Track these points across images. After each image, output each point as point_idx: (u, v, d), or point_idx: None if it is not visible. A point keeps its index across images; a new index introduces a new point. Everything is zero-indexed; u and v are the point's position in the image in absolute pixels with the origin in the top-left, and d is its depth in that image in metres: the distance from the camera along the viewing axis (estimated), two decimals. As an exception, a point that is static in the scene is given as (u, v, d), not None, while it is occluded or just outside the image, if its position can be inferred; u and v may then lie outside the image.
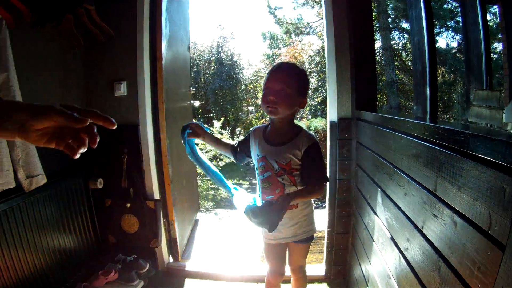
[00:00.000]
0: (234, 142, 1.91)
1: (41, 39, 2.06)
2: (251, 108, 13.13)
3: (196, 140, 1.80)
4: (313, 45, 11.47)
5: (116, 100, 2.41)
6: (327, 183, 2.30)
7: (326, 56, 2.39)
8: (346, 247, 2.45)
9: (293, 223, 1.68)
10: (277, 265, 1.85)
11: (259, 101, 12.66)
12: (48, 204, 2.05)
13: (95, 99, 2.44)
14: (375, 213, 1.66)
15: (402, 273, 1.24)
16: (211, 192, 5.90)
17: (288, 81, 1.50)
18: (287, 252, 1.86)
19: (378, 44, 10.45)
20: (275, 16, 11.95)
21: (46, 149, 1.47)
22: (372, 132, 1.78)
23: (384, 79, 9.99)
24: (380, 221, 1.56)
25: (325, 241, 2.56)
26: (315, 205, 4.87)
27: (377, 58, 10.46)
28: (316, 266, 2.76)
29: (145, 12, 2.34)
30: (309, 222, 1.72)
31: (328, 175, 1.83)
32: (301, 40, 12.25)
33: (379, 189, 1.57)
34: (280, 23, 12.09)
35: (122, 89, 2.36)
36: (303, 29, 12.02)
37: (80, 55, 2.38)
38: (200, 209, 4.52)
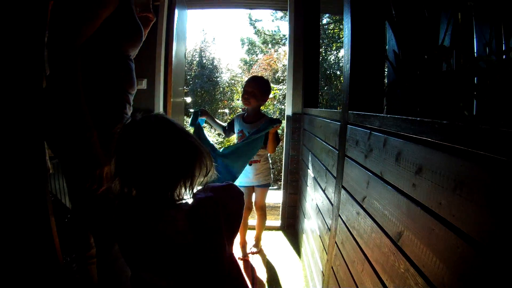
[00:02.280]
0: (225, 124, 2.96)
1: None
2: (226, 110, 14.18)
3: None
4: (287, 55, 12.56)
5: (138, 92, 3.36)
6: (284, 156, 3.42)
7: (287, 70, 3.50)
8: (295, 204, 3.51)
9: (257, 173, 2.75)
10: (247, 201, 2.89)
11: (234, 103, 13.84)
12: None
13: (125, 90, 3.39)
14: (307, 167, 2.73)
15: (324, 204, 2.31)
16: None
17: (256, 86, 2.62)
18: (254, 194, 2.91)
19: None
20: (254, 27, 13.09)
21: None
22: (310, 120, 2.86)
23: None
24: (310, 171, 2.62)
25: (281, 200, 3.63)
26: (276, 187, 5.96)
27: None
28: (275, 221, 3.83)
29: (163, 30, 3.35)
30: (266, 174, 2.80)
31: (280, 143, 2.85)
32: (276, 50, 13.44)
33: (310, 153, 2.65)
34: (259, 34, 13.23)
35: (144, 84, 3.35)
36: (279, 40, 13.20)
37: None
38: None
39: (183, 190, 1.04)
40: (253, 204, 2.93)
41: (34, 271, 1.71)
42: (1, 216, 1.62)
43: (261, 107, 2.86)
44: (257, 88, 2.63)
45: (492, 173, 0.58)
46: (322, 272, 1.93)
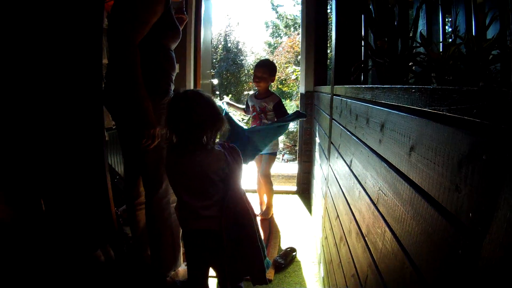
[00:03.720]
0: (243, 106, 3.48)
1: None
2: (251, 92, 14.68)
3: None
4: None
5: (173, 75, 3.95)
6: (298, 129, 3.92)
7: (300, 53, 3.98)
8: (309, 171, 4.03)
9: (265, 142, 3.26)
10: (260, 168, 3.41)
11: (259, 86, 14.43)
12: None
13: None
14: (315, 135, 3.24)
15: (330, 174, 2.82)
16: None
17: (264, 69, 3.12)
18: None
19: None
20: (277, 12, 13.46)
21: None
22: (317, 96, 3.35)
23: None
24: (317, 139, 3.13)
25: (297, 166, 4.16)
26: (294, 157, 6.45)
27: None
28: (292, 186, 4.38)
29: (192, 21, 3.88)
30: (274, 144, 3.26)
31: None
32: (299, 33, 13.70)
33: (317, 123, 3.15)
34: (281, 18, 13.58)
35: (177, 69, 3.89)
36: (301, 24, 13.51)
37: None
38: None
39: (207, 139, 1.58)
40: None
41: (92, 216, 2.36)
42: (69, 170, 2.27)
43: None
44: (266, 72, 3.12)
45: (384, 110, 1.08)
46: (322, 216, 2.46)
